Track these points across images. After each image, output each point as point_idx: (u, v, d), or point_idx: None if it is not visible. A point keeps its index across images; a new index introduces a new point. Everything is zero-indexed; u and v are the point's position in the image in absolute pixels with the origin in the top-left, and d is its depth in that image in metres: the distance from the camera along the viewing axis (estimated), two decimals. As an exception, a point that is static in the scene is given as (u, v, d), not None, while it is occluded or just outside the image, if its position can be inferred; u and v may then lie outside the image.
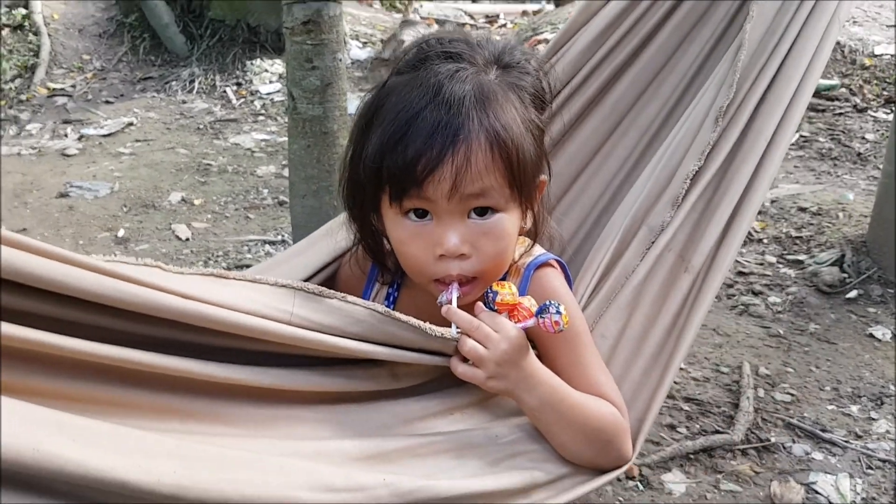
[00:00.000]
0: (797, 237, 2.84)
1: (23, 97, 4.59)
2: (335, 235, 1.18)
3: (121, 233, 3.02)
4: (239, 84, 4.81)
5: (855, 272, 2.54)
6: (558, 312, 0.95)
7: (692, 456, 1.84)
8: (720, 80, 1.31)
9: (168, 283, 0.80)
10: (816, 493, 1.74)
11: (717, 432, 1.91)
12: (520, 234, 1.05)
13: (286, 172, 2.16)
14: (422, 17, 6.87)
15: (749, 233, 2.84)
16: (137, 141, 4.04)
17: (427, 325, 0.93)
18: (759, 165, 1.27)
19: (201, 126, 4.26)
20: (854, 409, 2.00)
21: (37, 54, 4.93)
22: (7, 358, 0.71)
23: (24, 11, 5.18)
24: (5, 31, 5.07)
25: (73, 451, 0.66)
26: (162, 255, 2.83)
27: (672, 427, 1.94)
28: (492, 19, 7.38)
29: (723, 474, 1.79)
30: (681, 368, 2.15)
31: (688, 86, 1.41)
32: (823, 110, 3.86)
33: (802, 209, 3.02)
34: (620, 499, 1.72)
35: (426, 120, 0.92)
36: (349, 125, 2.32)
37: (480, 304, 0.97)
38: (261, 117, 4.41)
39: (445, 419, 1.01)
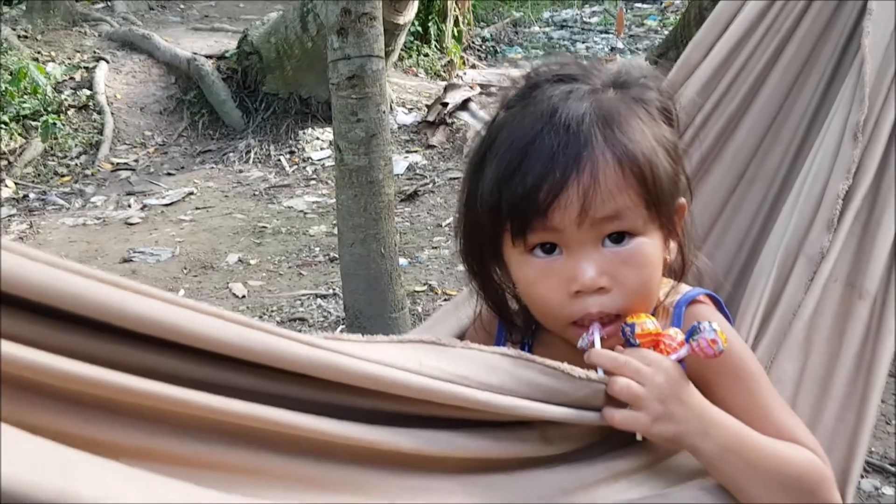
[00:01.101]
0: None
1: (88, 172, 4.83)
2: (459, 311, 1.10)
3: (181, 293, 3.12)
4: (292, 152, 4.99)
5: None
6: (713, 330, 0.81)
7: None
8: (849, 99, 1.22)
9: (290, 332, 0.69)
10: (889, 528, 1.67)
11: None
12: (663, 268, 0.93)
13: (336, 231, 2.25)
14: (465, 83, 7.06)
15: None
16: (197, 208, 4.20)
17: (568, 366, 0.81)
18: None
19: (257, 192, 4.41)
20: (924, 442, 1.92)
21: (101, 132, 5.20)
22: (134, 416, 0.63)
23: (88, 92, 5.49)
24: (71, 111, 5.38)
25: None
26: (219, 312, 2.91)
27: None
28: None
29: (787, 510, 1.72)
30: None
31: (813, 117, 1.33)
32: None
33: None
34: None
35: (544, 143, 0.83)
36: (393, 175, 2.39)
37: (619, 345, 0.85)
38: (312, 181, 4.55)
39: (611, 487, 0.86)
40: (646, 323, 0.84)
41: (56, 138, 5.03)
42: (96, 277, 0.57)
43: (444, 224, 3.69)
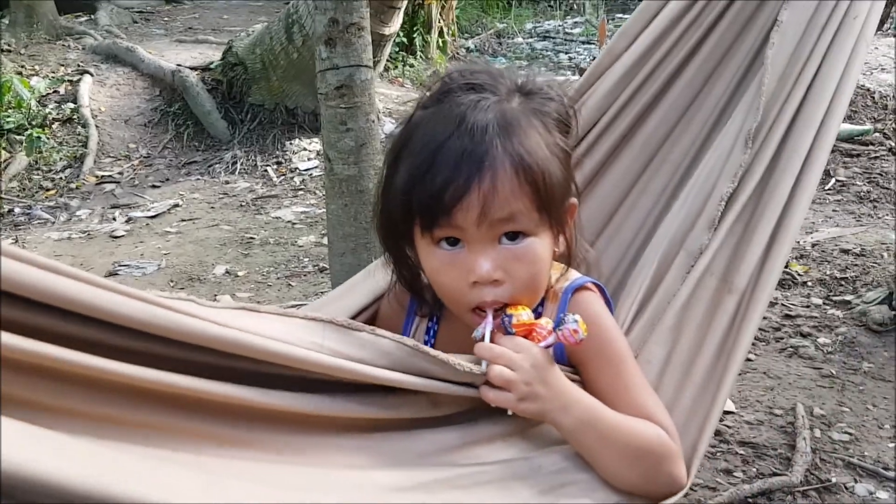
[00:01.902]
0: (842, 278, 2.79)
1: (72, 185, 4.78)
2: (375, 277, 1.21)
3: (167, 306, 3.09)
4: (279, 163, 4.97)
5: (905, 309, 2.48)
6: (575, 321, 0.95)
7: (750, 500, 1.78)
8: (748, 106, 1.33)
9: (201, 312, 0.81)
10: (886, 533, 1.67)
11: (775, 474, 1.85)
12: (554, 259, 1.05)
13: (326, 241, 2.22)
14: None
15: (792, 276, 2.81)
16: (183, 220, 4.17)
17: (456, 361, 0.92)
18: (795, 185, 1.26)
19: (244, 203, 4.39)
20: (917, 445, 1.93)
21: (85, 145, 5.15)
22: (44, 377, 0.73)
23: (72, 105, 5.45)
24: (56, 125, 5.34)
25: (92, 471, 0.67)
26: (207, 325, 2.88)
27: (728, 472, 1.88)
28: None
29: (783, 516, 1.72)
30: (733, 412, 2.10)
31: (719, 117, 1.42)
32: (858, 155, 3.85)
33: (845, 251, 2.98)
34: (677, 545, 1.66)
35: (451, 149, 0.94)
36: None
37: (504, 331, 0.97)
38: (300, 192, 4.53)
39: (487, 448, 0.99)
40: (521, 315, 0.97)
41: (41, 152, 4.99)
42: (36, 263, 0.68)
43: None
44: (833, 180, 3.71)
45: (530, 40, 12.79)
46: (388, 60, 6.68)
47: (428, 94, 1.06)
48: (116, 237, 3.97)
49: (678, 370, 1.17)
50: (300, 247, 3.64)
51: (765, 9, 1.43)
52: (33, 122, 5.23)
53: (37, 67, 6.07)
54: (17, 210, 4.44)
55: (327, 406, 0.91)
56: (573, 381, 1.02)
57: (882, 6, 1.45)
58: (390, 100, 6.39)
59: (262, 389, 0.86)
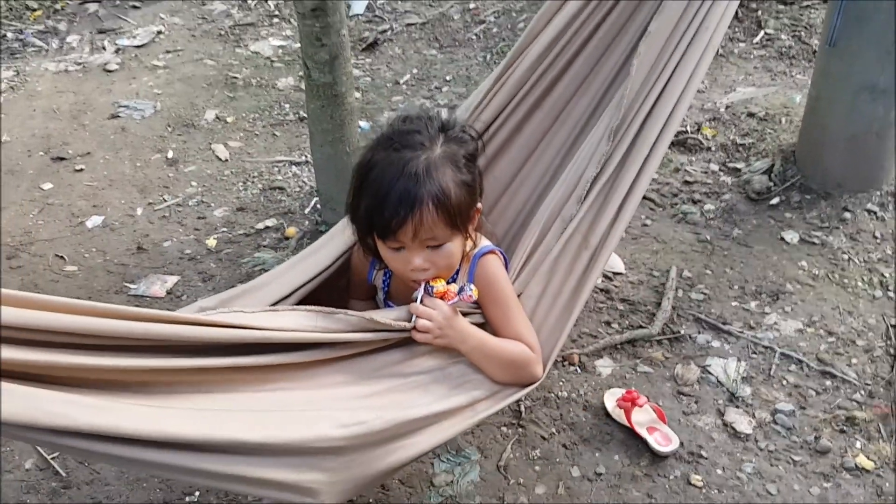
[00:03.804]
0: (741, 144, 3.32)
1: (57, 6, 4.97)
2: (345, 234, 1.75)
3: (170, 154, 3.58)
4: (254, -19, 5.12)
5: (780, 180, 3.05)
6: (470, 289, 1.56)
7: (619, 346, 2.48)
8: (614, 106, 1.81)
9: (242, 320, 1.37)
10: (709, 373, 2.37)
11: (640, 327, 2.54)
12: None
13: (304, 86, 2.64)
14: None
15: (699, 141, 3.34)
16: (168, 52, 4.48)
17: (396, 322, 1.52)
18: (639, 172, 1.76)
19: (223, 31, 4.66)
20: (753, 304, 2.60)
21: (62, -41, 5.23)
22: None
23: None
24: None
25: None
26: (207, 175, 3.41)
27: (608, 324, 2.57)
28: None
29: (640, 360, 2.43)
30: (622, 273, 2.75)
31: (591, 114, 1.90)
32: (792, 3, 4.14)
33: (751, 115, 3.47)
34: (563, 380, 2.38)
35: (395, 193, 1.44)
36: (353, 85, 2.81)
37: (425, 295, 1.55)
38: (276, 20, 4.78)
39: (418, 360, 1.59)
40: (438, 286, 1.55)
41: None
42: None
43: (401, 81, 4.07)
44: (762, 32, 4.06)
45: None
46: None
47: (377, 140, 1.56)
48: (110, 71, 4.31)
49: (547, 302, 1.73)
50: (280, 90, 4.04)
51: (639, 15, 1.86)
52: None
53: None
54: (9, 35, 4.69)
55: (319, 354, 1.50)
56: (473, 315, 1.64)
57: (731, 16, 1.85)
58: None
59: (281, 354, 1.44)
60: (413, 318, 1.54)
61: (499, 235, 1.91)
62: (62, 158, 3.54)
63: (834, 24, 2.66)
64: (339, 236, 1.80)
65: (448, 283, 1.58)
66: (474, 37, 4.38)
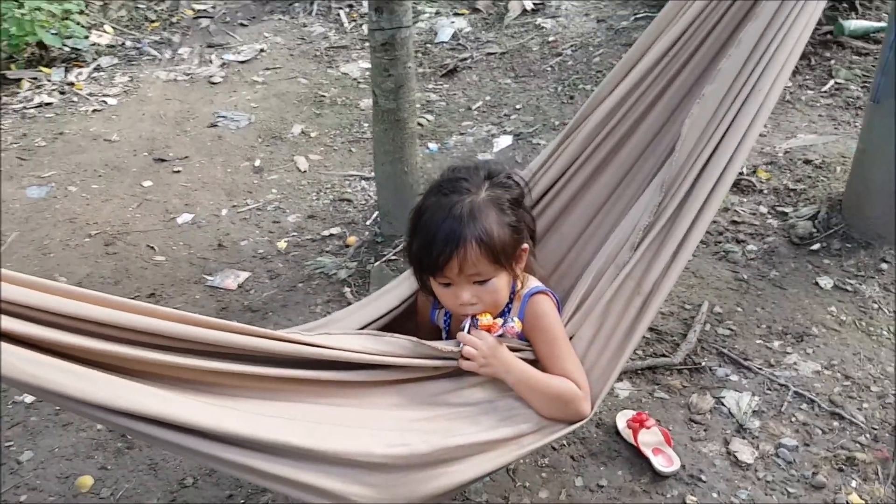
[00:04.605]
0: (793, 190, 3.40)
1: (174, 19, 5.49)
2: (410, 279, 1.87)
3: (257, 162, 3.95)
4: (351, 6, 5.50)
5: (824, 227, 3.12)
6: (513, 321, 1.67)
7: (640, 371, 2.62)
8: (669, 162, 1.86)
9: (302, 338, 1.51)
10: (722, 404, 2.49)
11: (664, 356, 2.68)
12: (525, 271, 1.76)
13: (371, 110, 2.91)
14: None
15: (753, 183, 3.44)
16: (267, 69, 4.89)
17: (444, 347, 1.61)
18: (692, 223, 1.81)
19: (318, 52, 5.04)
20: (776, 343, 2.70)
21: (183, -24, 5.78)
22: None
23: (170, -66, 5.98)
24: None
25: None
26: (287, 184, 3.75)
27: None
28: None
29: (658, 385, 2.57)
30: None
31: (655, 175, 1.97)
32: (867, 54, 4.16)
33: (808, 161, 3.54)
34: (583, 397, 2.55)
35: (442, 233, 1.57)
36: (416, 112, 3.07)
37: (472, 327, 1.65)
38: (366, 44, 5.13)
39: (467, 391, 1.66)
40: (484, 319, 1.65)
41: (144, -17, 5.64)
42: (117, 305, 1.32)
43: (473, 107, 4.33)
44: (832, 82, 4.11)
45: None
46: None
47: (430, 187, 1.70)
48: (214, 83, 4.75)
49: (599, 345, 1.77)
50: (361, 110, 4.37)
51: (694, 93, 1.97)
52: (136, -50, 5.83)
53: None
54: (128, 43, 5.22)
55: (375, 375, 1.57)
56: (524, 351, 1.71)
57: (786, 79, 1.95)
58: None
59: (341, 371, 1.54)
60: (460, 346, 1.63)
61: (566, 288, 2.01)
62: (163, 160, 3.96)
63: (878, 81, 2.74)
64: (409, 280, 1.90)
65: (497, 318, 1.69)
66: (549, 68, 4.59)
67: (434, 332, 1.90)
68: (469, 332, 1.65)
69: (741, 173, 3.52)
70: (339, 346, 1.54)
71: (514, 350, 1.71)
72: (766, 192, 3.43)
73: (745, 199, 3.41)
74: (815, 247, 3.08)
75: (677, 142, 1.87)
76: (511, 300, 1.74)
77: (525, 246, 1.71)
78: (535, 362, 1.73)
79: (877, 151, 2.88)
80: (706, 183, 1.82)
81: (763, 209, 3.34)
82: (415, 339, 1.63)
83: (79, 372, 1.24)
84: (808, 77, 4.16)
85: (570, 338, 1.78)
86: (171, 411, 1.28)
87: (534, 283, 1.78)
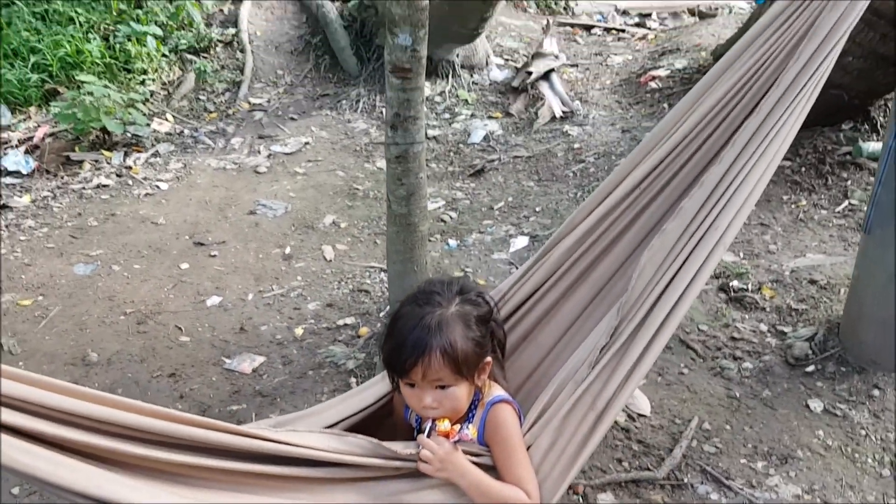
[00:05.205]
0: (794, 309, 3.47)
1: (230, 111, 5.91)
2: (386, 379, 1.97)
3: (287, 250, 4.21)
4: (394, 104, 5.84)
5: (820, 349, 3.18)
6: (467, 428, 1.80)
7: (623, 484, 2.70)
8: (624, 288, 2.06)
9: (270, 435, 1.68)
10: (700, 521, 2.56)
11: (648, 469, 2.75)
12: (490, 380, 1.89)
13: (386, 213, 3.13)
14: (570, 25, 7.53)
15: (756, 301, 3.53)
16: (310, 161, 5.22)
17: (402, 451, 1.73)
18: (645, 348, 1.90)
19: (358, 148, 5.37)
20: (760, 464, 2.75)
21: (242, 71, 6.24)
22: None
23: (233, 31, 6.49)
24: (219, 47, 6.42)
25: None
26: (312, 272, 3.99)
27: (619, 461, 2.80)
28: (642, 22, 7.85)
29: (640, 499, 2.64)
30: (646, 416, 2.98)
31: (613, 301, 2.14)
32: (884, 177, 4.25)
33: (813, 282, 3.62)
34: (564, 506, 2.64)
35: (411, 341, 1.71)
36: (427, 216, 3.28)
37: (431, 433, 1.77)
38: (405, 140, 5.44)
39: (424, 492, 1.77)
40: (443, 425, 1.77)
41: (206, 81, 6.10)
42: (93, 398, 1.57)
43: (495, 207, 4.55)
44: (846, 202, 4.20)
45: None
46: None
47: (408, 297, 1.89)
48: (259, 173, 5.09)
49: (553, 457, 1.85)
50: (391, 205, 4.62)
51: (658, 227, 2.15)
52: (201, 44, 6.34)
53: (207, -18, 7.09)
54: (186, 132, 5.64)
55: (336, 473, 1.69)
56: (483, 456, 1.82)
57: (743, 219, 2.08)
58: (507, 32, 7.00)
59: (305, 468, 1.66)
60: (419, 448, 1.75)
61: (538, 395, 2.09)
62: (202, 244, 4.26)
63: (869, 212, 2.85)
64: (384, 380, 2.02)
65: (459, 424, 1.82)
66: (571, 174, 4.80)
67: (409, 430, 2.02)
68: (429, 436, 1.78)
69: (746, 289, 3.61)
70: (303, 443, 1.69)
71: (473, 455, 1.83)
72: (768, 309, 3.51)
73: (746, 316, 3.49)
74: (810, 368, 3.13)
75: (635, 270, 2.03)
76: (475, 407, 1.86)
77: (488, 359, 1.84)
78: (493, 468, 1.83)
79: (869, 279, 2.96)
80: (660, 311, 1.95)
81: (763, 327, 3.42)
82: (375, 440, 1.77)
83: (66, 463, 1.44)
84: (822, 196, 4.26)
85: (529, 447, 1.89)
86: (145, 501, 1.46)
87: (498, 391, 1.89)
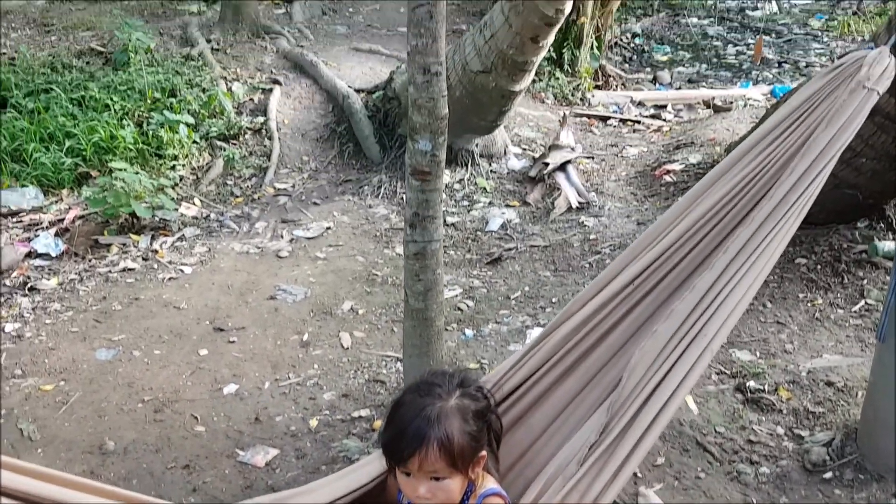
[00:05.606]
0: (812, 412, 3.44)
1: (256, 196, 6.08)
2: (382, 458, 2.08)
3: (305, 336, 4.26)
4: (414, 191, 5.98)
5: (838, 455, 3.14)
6: None
7: (635, 592, 2.66)
8: (612, 387, 2.14)
9: None
10: None
11: (660, 577, 2.70)
12: (483, 471, 1.93)
13: (403, 307, 3.19)
14: (587, 116, 7.72)
15: (773, 402, 3.51)
16: (330, 246, 5.32)
17: None
18: (634, 446, 1.94)
19: (378, 233, 5.47)
20: (777, 577, 2.70)
21: (269, 157, 6.43)
22: None
23: (262, 119, 6.72)
24: (248, 135, 6.65)
25: None
26: (328, 360, 4.02)
27: (631, 567, 2.76)
28: (657, 113, 8.02)
29: None
30: (659, 520, 2.94)
31: (615, 387, 2.20)
32: (901, 276, 4.26)
33: (830, 384, 3.59)
34: None
35: (410, 431, 1.79)
36: (443, 311, 3.34)
37: None
38: (424, 228, 5.54)
39: None
40: None
41: (234, 159, 6.30)
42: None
43: (512, 297, 4.59)
44: (863, 302, 4.20)
45: (704, 22, 12.98)
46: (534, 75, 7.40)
47: (410, 385, 2.01)
48: (281, 257, 5.19)
49: None
50: (409, 294, 4.68)
51: (648, 326, 2.22)
52: (230, 132, 6.56)
53: (238, 71, 7.39)
54: (212, 216, 5.78)
55: None
56: None
57: (733, 325, 2.16)
58: (525, 122, 7.19)
59: None
60: None
61: (529, 476, 2.19)
62: (222, 329, 4.33)
63: (883, 321, 2.86)
64: (380, 459, 2.10)
65: None
66: (587, 265, 4.86)
67: None
68: None
69: (763, 390, 3.60)
70: None
71: None
72: (785, 412, 3.49)
73: (763, 418, 3.47)
74: (828, 475, 3.09)
75: (626, 370, 2.07)
76: (467, 498, 1.93)
77: (483, 453, 1.89)
78: None
79: (885, 387, 2.95)
80: (649, 411, 2.00)
81: (780, 430, 3.39)
82: None
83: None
84: (839, 295, 4.27)
85: None
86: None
87: (491, 484, 1.95)
